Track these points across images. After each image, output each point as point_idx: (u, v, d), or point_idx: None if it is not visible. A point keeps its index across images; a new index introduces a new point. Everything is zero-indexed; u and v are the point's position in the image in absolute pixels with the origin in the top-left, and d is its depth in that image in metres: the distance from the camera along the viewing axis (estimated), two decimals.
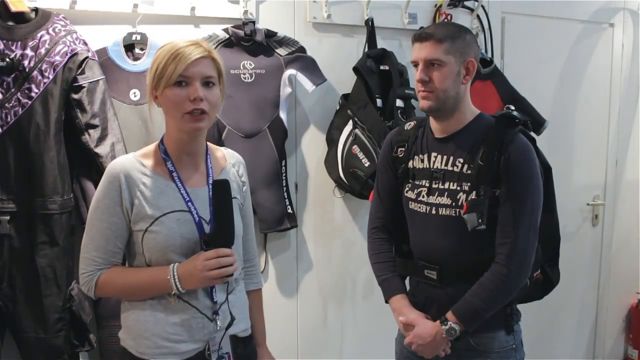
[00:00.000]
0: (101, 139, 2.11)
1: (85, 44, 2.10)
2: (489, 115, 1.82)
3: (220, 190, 1.54)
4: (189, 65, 1.49)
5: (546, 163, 1.83)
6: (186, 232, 1.54)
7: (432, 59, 1.71)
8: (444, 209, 1.77)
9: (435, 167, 1.80)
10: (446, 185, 1.77)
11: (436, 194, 1.79)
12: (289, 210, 2.55)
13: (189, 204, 1.56)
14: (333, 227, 2.82)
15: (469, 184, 1.72)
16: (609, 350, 3.94)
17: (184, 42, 1.53)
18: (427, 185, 1.81)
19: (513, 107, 1.81)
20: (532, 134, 1.82)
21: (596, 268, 3.78)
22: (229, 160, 1.73)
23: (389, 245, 1.97)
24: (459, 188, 1.74)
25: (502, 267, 1.70)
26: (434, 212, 1.79)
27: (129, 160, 1.57)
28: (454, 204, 1.75)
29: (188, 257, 1.54)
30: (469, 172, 1.73)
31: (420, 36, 1.74)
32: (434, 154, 1.82)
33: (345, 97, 2.64)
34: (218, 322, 1.59)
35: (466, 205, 1.68)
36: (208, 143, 1.68)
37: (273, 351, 2.74)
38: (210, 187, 1.57)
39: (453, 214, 1.75)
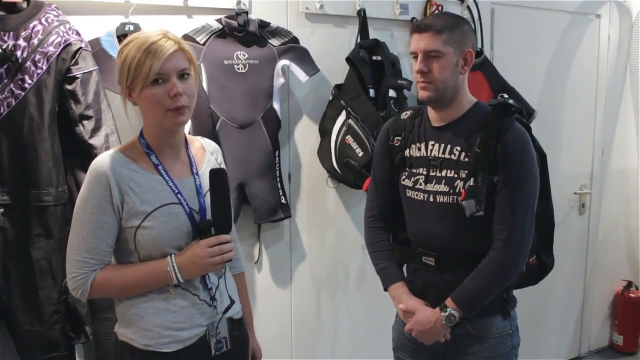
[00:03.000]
0: (95, 130, 2.09)
1: (78, 34, 2.08)
2: (485, 104, 1.84)
3: (219, 179, 1.55)
4: (164, 61, 1.47)
5: (541, 150, 1.86)
6: (179, 225, 1.54)
7: (431, 50, 1.72)
8: (441, 196, 1.78)
9: (432, 155, 1.82)
10: (444, 173, 1.79)
11: (434, 181, 1.80)
12: (283, 201, 2.56)
13: (179, 196, 1.56)
14: (326, 217, 2.83)
15: (466, 171, 1.74)
16: (595, 336, 4.01)
17: (150, 36, 1.49)
18: (425, 173, 1.82)
19: (507, 96, 1.83)
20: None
21: (583, 256, 3.83)
22: (207, 149, 1.73)
23: (386, 234, 1.99)
24: (456, 175, 1.76)
25: (499, 253, 1.72)
26: (431, 199, 1.80)
27: (113, 157, 1.54)
28: (451, 191, 1.76)
29: (181, 248, 1.55)
30: (466, 159, 1.75)
31: (419, 27, 1.75)
32: (431, 142, 1.83)
33: (338, 87, 2.64)
34: (217, 307, 1.61)
35: (464, 192, 1.70)
36: (184, 133, 1.68)
37: (267, 340, 2.76)
38: (209, 175, 1.57)
39: (451, 201, 1.77)
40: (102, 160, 1.53)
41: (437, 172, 1.80)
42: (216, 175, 1.55)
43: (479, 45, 3.02)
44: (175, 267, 1.51)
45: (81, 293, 1.52)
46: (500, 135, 1.70)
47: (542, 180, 1.81)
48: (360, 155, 2.49)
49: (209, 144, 1.77)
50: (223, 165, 1.75)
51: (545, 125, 3.36)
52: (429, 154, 1.83)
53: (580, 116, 3.66)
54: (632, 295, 3.93)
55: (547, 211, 1.90)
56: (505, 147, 1.70)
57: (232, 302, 1.66)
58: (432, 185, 1.80)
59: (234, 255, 1.58)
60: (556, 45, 3.47)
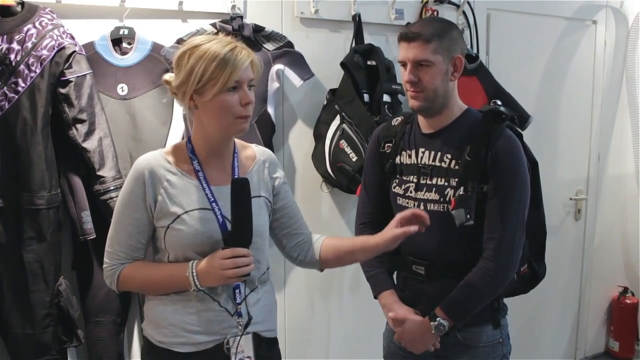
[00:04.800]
0: (89, 133, 2.10)
1: (72, 37, 2.09)
2: (476, 111, 1.83)
3: (239, 189, 1.50)
4: (242, 71, 1.50)
5: (533, 158, 1.84)
6: (208, 231, 1.54)
7: (421, 60, 1.70)
8: (431, 204, 1.77)
9: (423, 162, 1.81)
10: (434, 181, 1.78)
11: (424, 189, 1.79)
12: None
13: (213, 203, 1.56)
14: (320, 221, 2.82)
15: (456, 179, 1.73)
16: (591, 342, 4.00)
17: (221, 42, 1.51)
18: (415, 180, 1.81)
19: (500, 102, 1.82)
20: (518, 129, 1.84)
21: (579, 261, 3.83)
22: (259, 157, 1.70)
23: None
24: (446, 184, 1.75)
25: (489, 263, 1.72)
26: (422, 207, 1.77)
27: (155, 157, 1.57)
28: (441, 199, 1.75)
29: (205, 255, 1.53)
30: (456, 167, 1.74)
31: (407, 36, 1.72)
32: (421, 150, 1.82)
33: (332, 92, 2.64)
34: (241, 323, 1.58)
35: (454, 200, 1.68)
36: (237, 141, 1.67)
37: None
38: (230, 186, 1.51)
39: (441, 210, 1.75)
40: (144, 159, 1.57)
41: (428, 179, 1.79)
42: (237, 186, 1.50)
43: (475, 51, 3.02)
44: (195, 273, 1.51)
45: (111, 283, 1.59)
46: (490, 143, 1.69)
47: (533, 188, 1.81)
48: (354, 160, 2.49)
49: (262, 152, 1.74)
50: (277, 174, 1.72)
51: (541, 131, 3.36)
52: (419, 162, 1.82)
53: (576, 122, 3.66)
54: (628, 301, 3.92)
55: (538, 219, 1.89)
56: (496, 155, 1.69)
57: (250, 318, 1.58)
58: (423, 193, 1.79)
59: (250, 270, 1.51)
60: (552, 50, 3.47)
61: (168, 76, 1.59)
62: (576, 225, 3.77)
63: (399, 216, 1.60)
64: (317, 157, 2.63)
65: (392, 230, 1.59)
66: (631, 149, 3.87)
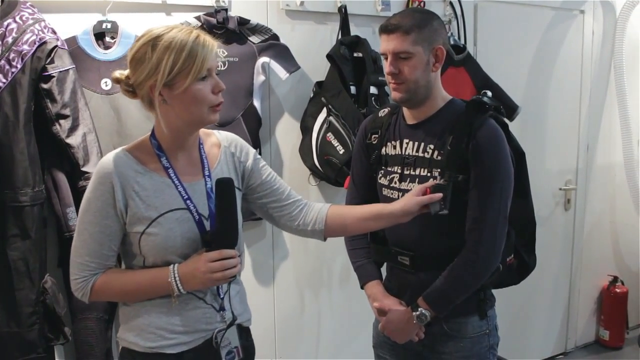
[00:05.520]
0: (72, 129, 2.07)
1: (54, 32, 2.06)
2: (460, 101, 1.82)
3: (224, 190, 1.45)
4: (212, 58, 1.43)
5: (519, 148, 1.83)
6: (186, 232, 1.48)
7: (401, 52, 1.70)
8: None
9: (407, 153, 1.80)
10: (417, 172, 1.77)
11: (408, 180, 1.79)
12: None
13: (188, 201, 1.49)
14: None
15: (439, 170, 1.72)
16: (581, 332, 4.02)
17: (187, 33, 1.43)
18: (399, 171, 1.81)
19: (489, 93, 1.81)
20: (506, 119, 1.83)
21: (568, 251, 3.84)
22: (224, 144, 1.63)
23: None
24: (429, 174, 1.75)
25: (471, 253, 1.71)
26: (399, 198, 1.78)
27: (120, 158, 1.47)
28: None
29: (189, 256, 1.48)
30: (439, 158, 1.73)
31: (387, 28, 1.72)
32: (405, 141, 1.82)
33: (319, 84, 2.63)
34: (225, 317, 1.56)
35: (428, 190, 1.64)
36: (200, 130, 1.59)
37: None
38: (214, 186, 1.47)
39: None
40: (108, 161, 1.46)
41: (412, 170, 1.78)
42: (221, 186, 1.45)
43: (462, 42, 3.01)
44: (177, 278, 1.44)
45: (82, 295, 1.49)
46: (472, 133, 1.68)
47: (521, 179, 1.80)
48: (341, 152, 2.48)
49: (225, 137, 1.66)
50: (244, 156, 1.65)
51: (529, 121, 3.36)
52: (403, 152, 1.81)
53: (565, 112, 3.66)
54: (617, 290, 3.94)
55: (526, 210, 1.89)
56: (476, 145, 1.68)
57: (235, 313, 1.59)
58: (407, 183, 1.79)
59: (238, 271, 1.49)
60: (540, 41, 3.47)
61: (119, 73, 1.49)
62: (566, 215, 3.78)
63: (421, 186, 1.62)
64: (304, 150, 2.62)
65: (414, 198, 1.59)
66: (619, 139, 3.88)
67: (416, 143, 1.79)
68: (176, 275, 1.44)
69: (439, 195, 1.59)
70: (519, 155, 1.82)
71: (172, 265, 1.45)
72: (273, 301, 2.79)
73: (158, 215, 1.45)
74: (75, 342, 2.21)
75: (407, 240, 1.82)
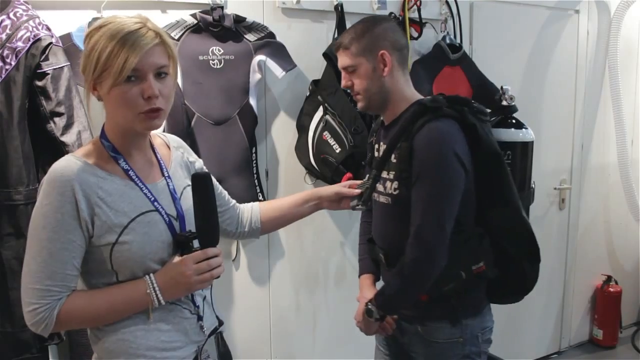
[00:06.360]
0: (67, 127, 2.06)
1: (48, 29, 2.04)
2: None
3: (204, 186, 1.35)
4: (142, 56, 1.25)
5: (494, 149, 1.77)
6: (160, 235, 1.35)
7: (347, 66, 1.79)
8: (381, 196, 1.82)
9: (380, 155, 1.84)
10: (383, 174, 1.80)
11: (379, 182, 1.82)
12: (260, 198, 2.54)
13: (155, 203, 1.37)
14: None
15: (394, 172, 1.75)
16: (575, 331, 4.03)
17: (127, 23, 1.28)
18: (376, 173, 1.83)
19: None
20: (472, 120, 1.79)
21: (563, 251, 3.85)
22: (172, 144, 1.55)
23: (370, 229, 2.03)
24: (388, 175, 1.78)
25: (409, 251, 1.70)
26: (377, 199, 1.85)
27: (76, 164, 1.30)
28: (385, 191, 1.79)
29: (165, 261, 1.36)
30: (394, 160, 1.75)
31: (336, 47, 1.83)
32: (381, 143, 1.87)
33: (315, 83, 2.62)
34: (204, 326, 1.46)
35: (354, 185, 1.77)
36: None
37: (245, 338, 2.73)
38: (191, 181, 1.37)
39: (385, 202, 1.80)
40: (64, 167, 1.28)
41: (382, 172, 1.81)
42: (200, 180, 1.35)
43: (458, 41, 3.01)
44: (157, 288, 1.32)
45: (43, 328, 1.27)
46: (412, 134, 1.69)
47: (498, 185, 1.77)
48: (337, 151, 2.47)
49: (172, 139, 1.58)
50: (192, 158, 1.59)
51: (525, 121, 3.33)
52: (379, 155, 1.85)
53: (560, 111, 3.67)
54: (611, 289, 3.95)
55: (509, 219, 1.82)
56: (412, 149, 1.69)
57: (221, 323, 1.52)
58: (379, 185, 1.82)
59: (222, 270, 1.39)
60: (535, 40, 3.47)
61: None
62: (560, 214, 3.78)
63: (352, 182, 1.81)
64: (301, 148, 2.61)
65: (337, 187, 1.78)
66: (614, 139, 3.89)
67: (385, 146, 1.82)
68: (155, 285, 1.32)
69: (357, 191, 1.76)
70: (495, 157, 1.76)
71: (147, 276, 1.33)
72: (269, 300, 2.78)
73: (129, 220, 1.32)
74: (69, 342, 2.19)
75: (382, 238, 1.88)
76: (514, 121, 1.89)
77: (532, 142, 1.88)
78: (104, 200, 1.30)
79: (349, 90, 1.86)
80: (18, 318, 2.02)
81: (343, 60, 1.80)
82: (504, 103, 1.91)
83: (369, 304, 1.81)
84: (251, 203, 1.76)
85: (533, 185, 1.94)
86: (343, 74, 1.83)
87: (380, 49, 1.75)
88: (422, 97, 1.82)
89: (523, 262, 1.86)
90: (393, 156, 1.75)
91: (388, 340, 2.00)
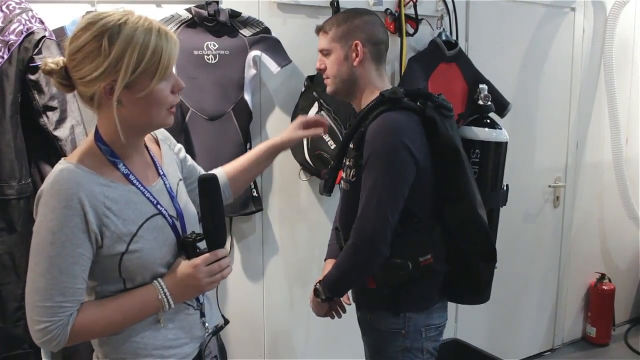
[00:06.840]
0: (60, 121, 2.05)
1: (41, 22, 2.02)
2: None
3: (211, 188, 1.34)
4: (177, 52, 1.27)
5: (452, 144, 1.75)
6: (166, 239, 1.35)
7: (322, 49, 1.87)
8: (343, 182, 1.88)
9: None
10: (346, 162, 1.86)
11: (342, 169, 1.89)
12: (254, 194, 2.53)
13: (158, 206, 1.35)
14: (298, 210, 2.80)
15: (353, 160, 1.80)
16: (568, 328, 4.04)
17: (147, 22, 1.25)
18: (338, 160, 1.89)
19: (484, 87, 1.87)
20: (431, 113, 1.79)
21: (557, 248, 3.85)
22: (159, 137, 1.53)
23: None
24: (348, 163, 1.84)
25: (351, 237, 1.74)
26: (341, 185, 1.91)
27: (77, 173, 1.25)
28: (346, 178, 1.85)
29: (171, 264, 1.36)
30: (352, 147, 1.81)
31: (316, 30, 1.91)
32: None
33: (310, 78, 2.61)
34: (206, 324, 1.47)
35: (323, 173, 1.82)
36: None
37: (239, 334, 2.72)
38: (199, 185, 1.34)
39: (346, 188, 1.86)
40: (67, 179, 1.23)
41: (344, 160, 1.87)
42: (208, 184, 1.34)
43: (454, 37, 3.00)
44: (167, 293, 1.31)
45: (56, 344, 1.23)
46: (364, 125, 1.75)
47: (454, 179, 1.76)
48: (332, 147, 2.47)
49: (158, 131, 1.53)
50: (177, 148, 1.58)
51: (520, 118, 3.36)
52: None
53: (555, 109, 3.67)
54: (605, 287, 3.96)
55: (462, 215, 1.79)
56: (363, 137, 1.73)
57: (227, 322, 1.53)
58: (342, 172, 1.88)
59: (231, 271, 1.40)
60: (531, 38, 3.47)
61: (52, 63, 1.26)
62: (554, 212, 3.79)
63: (301, 119, 1.84)
64: (295, 144, 2.59)
65: (296, 132, 1.80)
66: (609, 137, 3.89)
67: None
68: (165, 290, 1.32)
69: (315, 132, 1.84)
70: (452, 152, 1.75)
71: (156, 281, 1.33)
72: (262, 295, 2.77)
73: (137, 227, 1.30)
74: None
75: (343, 224, 1.90)
76: (488, 121, 1.90)
77: (506, 142, 1.89)
78: (111, 209, 1.27)
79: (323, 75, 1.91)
80: (10, 313, 2.01)
81: (321, 42, 1.88)
82: (480, 102, 1.92)
83: (317, 285, 1.87)
84: (217, 169, 1.70)
85: (505, 188, 1.94)
86: (319, 56, 1.89)
87: (355, 39, 1.81)
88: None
89: (479, 261, 1.84)
90: (351, 144, 1.80)
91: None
